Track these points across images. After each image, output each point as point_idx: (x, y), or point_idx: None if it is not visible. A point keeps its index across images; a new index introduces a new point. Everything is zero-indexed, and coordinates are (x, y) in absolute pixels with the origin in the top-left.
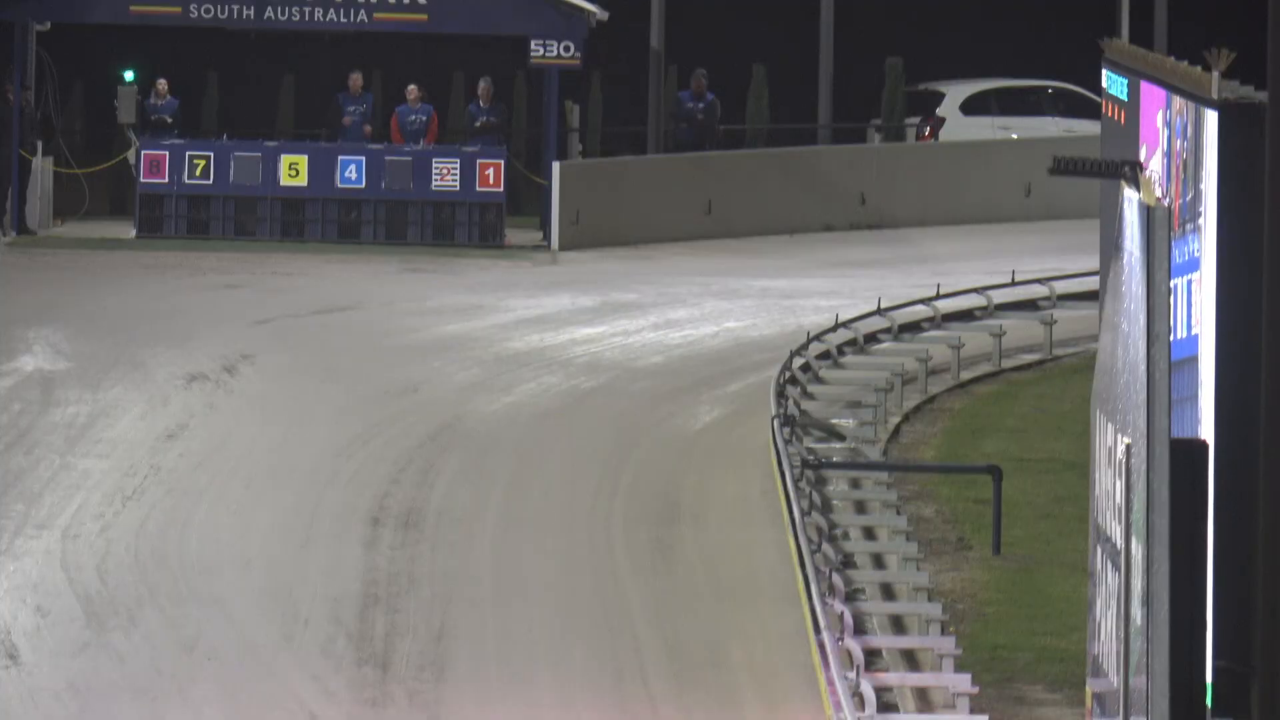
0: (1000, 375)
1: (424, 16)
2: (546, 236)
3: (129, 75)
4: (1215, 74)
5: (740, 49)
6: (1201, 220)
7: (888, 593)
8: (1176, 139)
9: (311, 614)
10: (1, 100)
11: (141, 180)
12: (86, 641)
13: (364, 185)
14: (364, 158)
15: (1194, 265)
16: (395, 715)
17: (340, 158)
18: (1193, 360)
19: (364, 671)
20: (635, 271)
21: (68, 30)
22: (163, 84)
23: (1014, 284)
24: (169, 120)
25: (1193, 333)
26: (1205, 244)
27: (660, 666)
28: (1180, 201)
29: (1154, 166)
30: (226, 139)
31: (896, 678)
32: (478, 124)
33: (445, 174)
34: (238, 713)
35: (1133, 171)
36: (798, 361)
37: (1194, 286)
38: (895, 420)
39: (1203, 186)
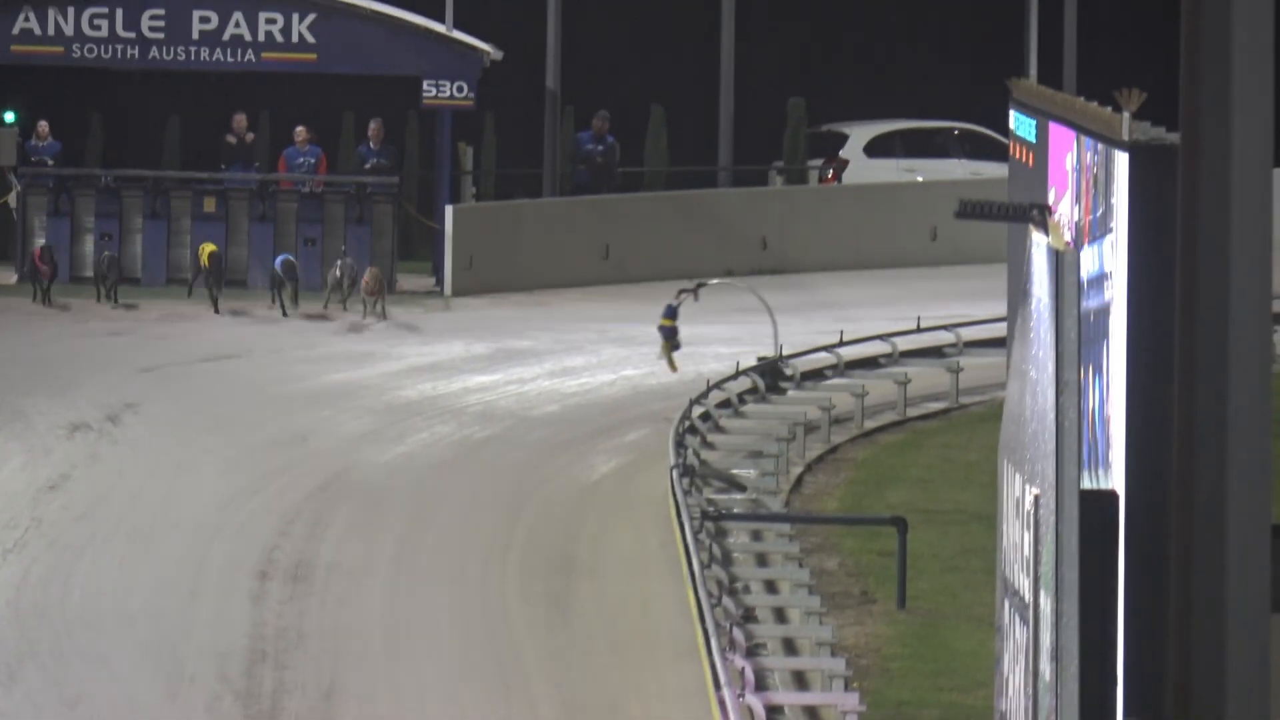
0: (905, 424)
1: (313, 56)
2: (439, 282)
3: (9, 117)
4: (1126, 115)
5: (637, 89)
6: (1109, 267)
7: (790, 648)
8: (1085, 180)
9: (197, 670)
10: None
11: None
12: None
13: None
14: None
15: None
16: None
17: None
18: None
19: None
20: (531, 318)
21: None
22: (44, 126)
23: (919, 330)
24: (50, 162)
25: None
26: (1115, 290)
27: None
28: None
29: (1063, 210)
30: (111, 181)
31: None
32: (367, 165)
33: (334, 217)
34: None
35: (1041, 215)
36: (697, 410)
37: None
38: (798, 470)
39: (1113, 226)
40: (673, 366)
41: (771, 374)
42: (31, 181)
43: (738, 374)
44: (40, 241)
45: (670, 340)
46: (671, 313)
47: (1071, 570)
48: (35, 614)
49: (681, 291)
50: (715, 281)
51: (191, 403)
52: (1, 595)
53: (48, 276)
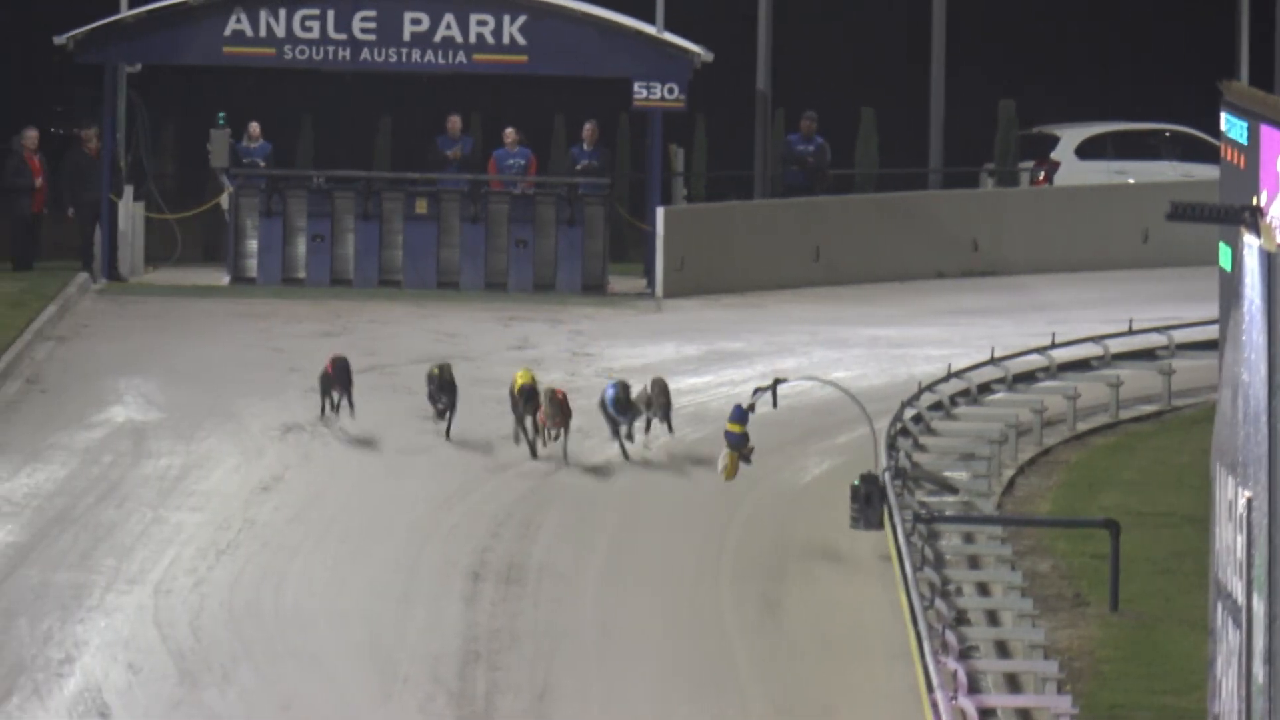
0: (1118, 426)
1: (523, 58)
2: (650, 284)
3: (221, 118)
4: None
5: (848, 92)
6: None
7: (1003, 650)
8: None
9: (410, 671)
10: (83, 148)
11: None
12: (180, 699)
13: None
14: (462, 202)
15: None
16: None
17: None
18: None
19: None
20: (742, 319)
21: (159, 72)
22: (255, 127)
23: (1131, 333)
24: (261, 163)
25: None
26: None
27: None
28: None
29: (1275, 212)
30: (322, 182)
31: None
32: (580, 166)
33: (546, 219)
34: None
35: (1253, 217)
36: (909, 412)
37: None
38: (1009, 473)
39: None
40: (729, 475)
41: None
42: (244, 183)
43: (949, 375)
44: (329, 357)
45: (739, 449)
46: (741, 416)
47: None
48: (249, 614)
49: (758, 390)
50: (794, 381)
51: (402, 404)
52: (215, 595)
53: (339, 391)
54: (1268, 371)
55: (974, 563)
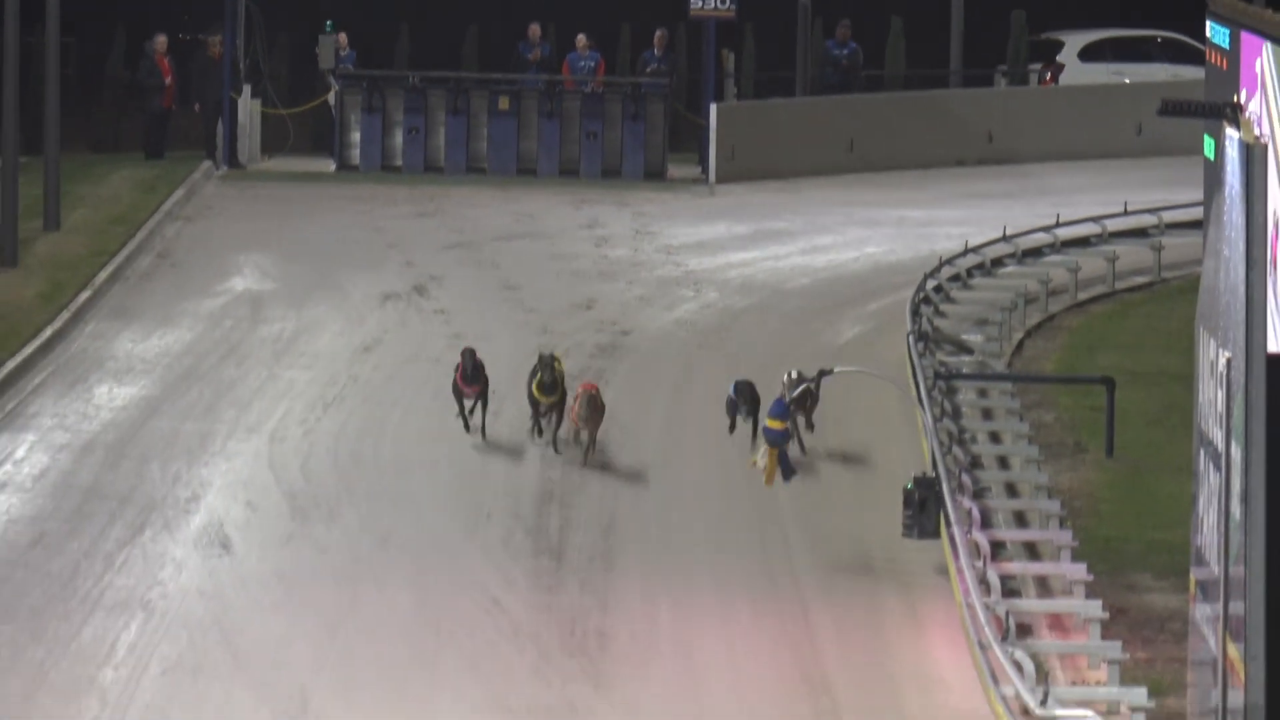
0: (1114, 296)
1: None
2: (705, 171)
3: (329, 26)
4: None
5: (879, 3)
6: None
7: (1011, 491)
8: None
9: (494, 509)
10: (208, 52)
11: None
12: (291, 533)
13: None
14: (539, 100)
15: None
16: (568, 602)
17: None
18: None
19: (540, 561)
20: (784, 202)
21: None
22: (343, 37)
23: (1126, 214)
24: (350, 69)
25: None
26: None
27: (807, 561)
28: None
29: (1252, 108)
30: (417, 81)
31: (1019, 567)
32: (649, 69)
33: (613, 114)
34: (427, 599)
35: (1233, 112)
36: (931, 283)
37: None
38: (1018, 336)
39: None
40: (769, 478)
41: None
42: (348, 83)
43: (965, 251)
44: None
45: (778, 445)
46: (782, 412)
47: (1259, 423)
48: (352, 460)
49: (802, 380)
50: (841, 369)
51: (489, 276)
52: (323, 443)
53: (472, 397)
54: (1245, 247)
55: (987, 414)
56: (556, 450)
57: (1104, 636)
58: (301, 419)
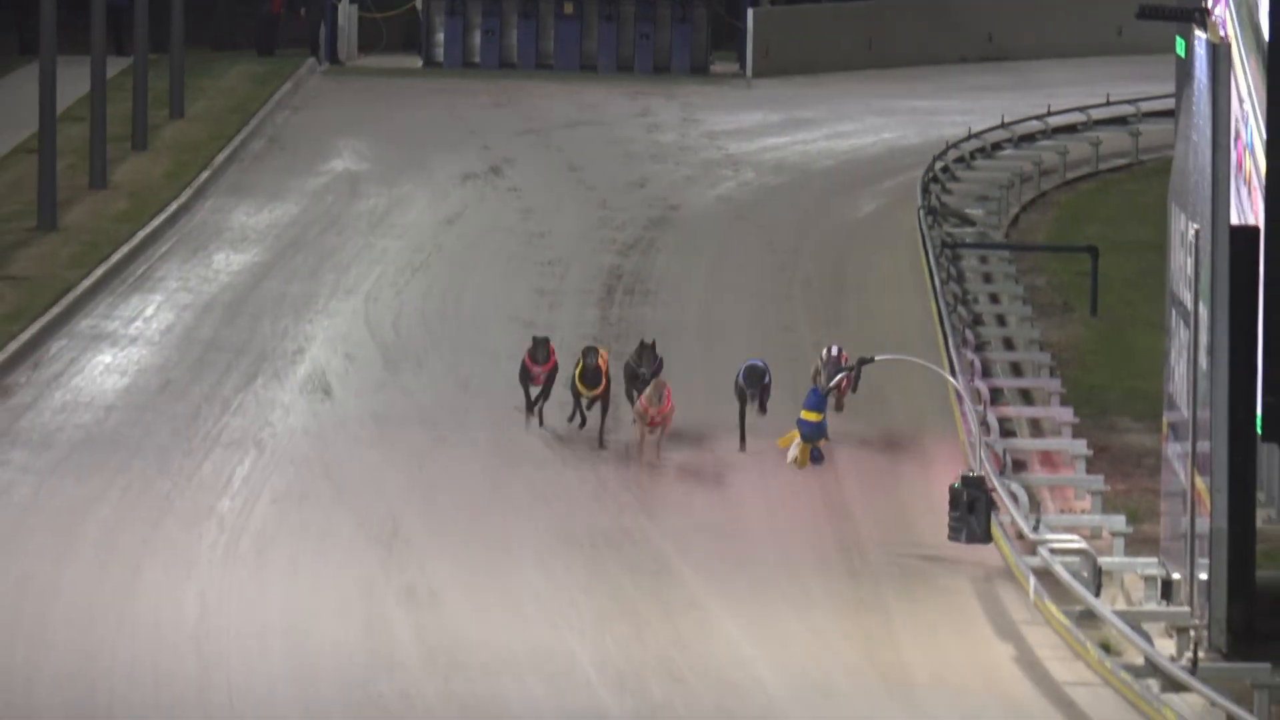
0: (1097, 175)
1: None
2: (743, 67)
3: None
4: None
5: None
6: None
7: (1008, 344)
8: None
9: (561, 359)
10: None
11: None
12: (384, 381)
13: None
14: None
15: None
16: (624, 436)
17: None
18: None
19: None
20: (812, 95)
21: None
22: None
23: (1108, 104)
24: None
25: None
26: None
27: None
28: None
29: (1219, 12)
30: None
31: (1014, 410)
32: None
33: (663, 18)
34: (501, 438)
35: (1202, 16)
36: (938, 164)
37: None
38: (1015, 210)
39: (1259, 21)
40: (800, 463)
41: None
42: None
43: (969, 136)
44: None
45: (813, 441)
46: (818, 404)
47: (1222, 285)
48: (438, 317)
49: (840, 369)
50: (881, 358)
51: (555, 158)
52: (412, 303)
53: (540, 383)
54: (1211, 133)
55: (987, 278)
56: (602, 445)
57: (1088, 471)
58: (393, 281)
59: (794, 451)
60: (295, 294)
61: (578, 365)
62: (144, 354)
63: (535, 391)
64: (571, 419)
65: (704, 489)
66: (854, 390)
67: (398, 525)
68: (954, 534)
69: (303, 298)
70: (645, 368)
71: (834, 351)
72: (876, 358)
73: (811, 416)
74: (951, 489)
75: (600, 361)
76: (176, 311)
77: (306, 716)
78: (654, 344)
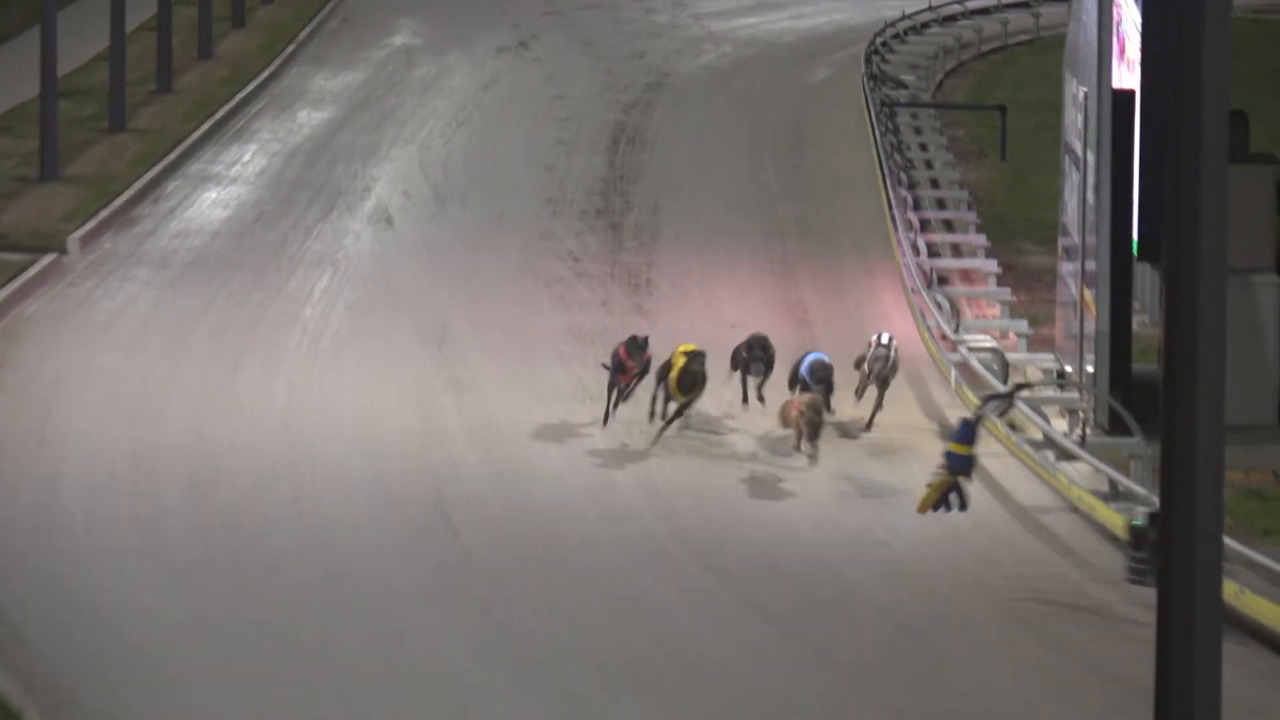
0: (1006, 49)
1: None
2: None
3: None
4: None
5: None
6: None
7: (935, 184)
8: None
9: (574, 196)
10: None
11: None
12: (434, 213)
13: None
14: None
15: None
16: (626, 258)
17: None
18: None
19: (606, 231)
20: None
21: None
22: None
23: None
24: None
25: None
26: None
27: (791, 230)
28: None
29: None
30: None
31: (940, 237)
32: None
33: None
34: (528, 259)
35: None
36: (879, 40)
37: None
38: (939, 76)
39: None
40: (925, 504)
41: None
42: None
43: (903, 17)
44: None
45: (961, 473)
46: (968, 435)
47: (1106, 137)
48: (475, 162)
49: (990, 399)
50: (1039, 382)
51: (572, 35)
52: (457, 151)
53: (628, 380)
54: (1097, 14)
55: (917, 131)
56: (658, 418)
57: (998, 285)
58: (441, 133)
59: (935, 482)
60: (363, 144)
61: (673, 368)
62: (242, 191)
63: (619, 391)
64: (652, 417)
65: (689, 299)
66: (891, 377)
67: (446, 329)
68: (1139, 578)
69: (369, 147)
70: (698, 364)
71: (884, 340)
72: (1032, 384)
73: (961, 449)
74: (1134, 527)
75: (699, 365)
76: (268, 157)
77: (374, 481)
78: (702, 354)
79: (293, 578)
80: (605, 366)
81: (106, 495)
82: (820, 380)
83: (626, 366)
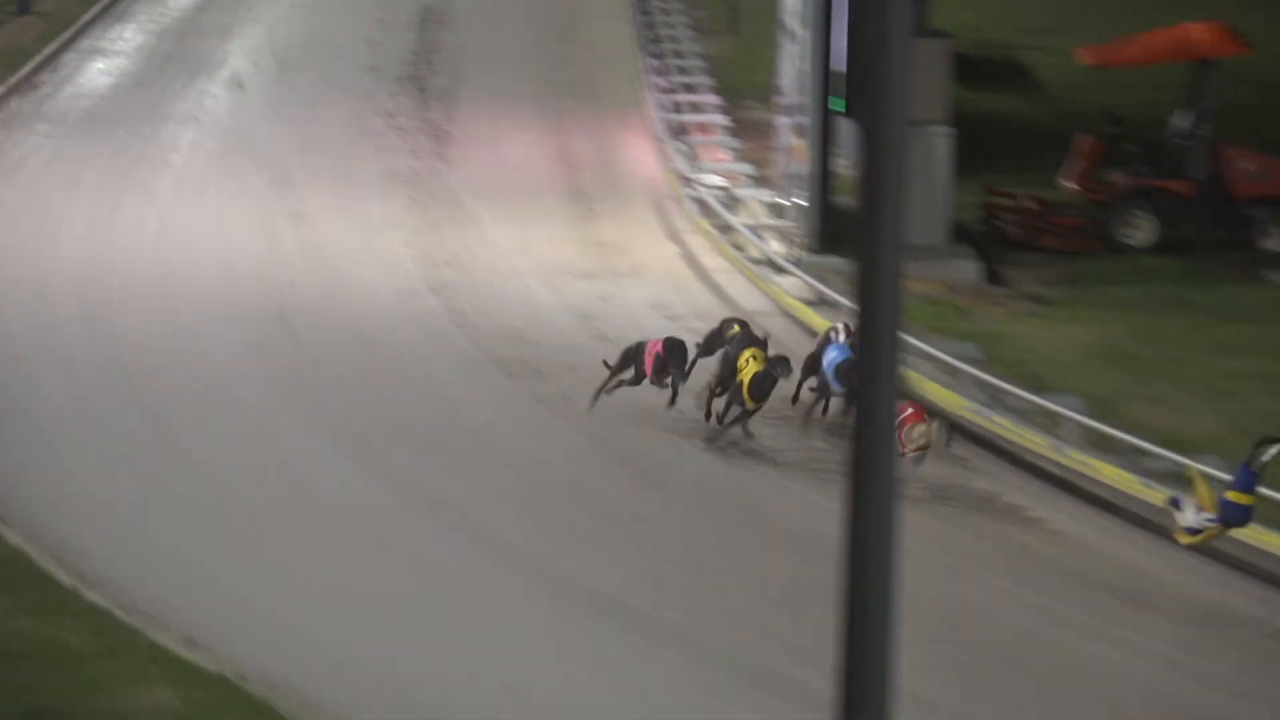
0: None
1: None
2: None
3: None
4: None
5: None
6: None
7: (678, 54)
8: None
9: (389, 65)
10: None
11: None
12: (278, 79)
13: None
14: None
15: None
16: (431, 115)
17: None
18: None
19: (415, 94)
20: None
21: None
22: None
23: None
24: None
25: None
26: None
27: (564, 91)
28: None
29: None
30: None
31: (682, 97)
32: None
33: None
34: (352, 111)
35: None
36: None
37: None
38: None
39: None
40: (1190, 537)
41: None
42: None
43: None
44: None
45: (1238, 525)
46: (1248, 482)
47: (818, 14)
48: (311, 38)
49: (1266, 442)
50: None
51: None
52: (296, 31)
53: (649, 374)
54: None
55: (665, 14)
56: (707, 414)
57: (729, 135)
58: (285, 16)
59: (1193, 524)
60: (222, 23)
61: (749, 370)
62: (123, 63)
63: (628, 375)
64: (709, 417)
65: (483, 150)
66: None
67: (286, 172)
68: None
69: (226, 26)
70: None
71: (840, 334)
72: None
73: (1242, 499)
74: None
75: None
76: (145, 35)
77: (229, 291)
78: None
79: (168, 375)
80: (607, 365)
81: (12, 304)
82: (847, 384)
83: (645, 362)
